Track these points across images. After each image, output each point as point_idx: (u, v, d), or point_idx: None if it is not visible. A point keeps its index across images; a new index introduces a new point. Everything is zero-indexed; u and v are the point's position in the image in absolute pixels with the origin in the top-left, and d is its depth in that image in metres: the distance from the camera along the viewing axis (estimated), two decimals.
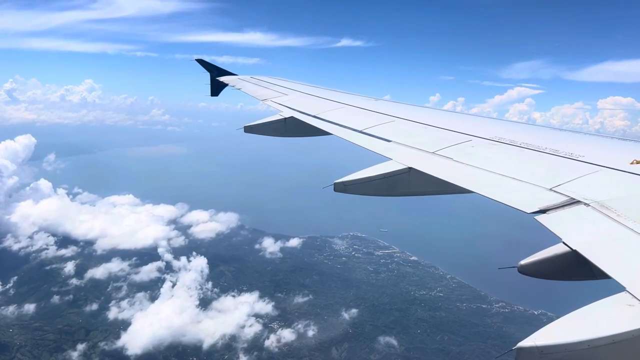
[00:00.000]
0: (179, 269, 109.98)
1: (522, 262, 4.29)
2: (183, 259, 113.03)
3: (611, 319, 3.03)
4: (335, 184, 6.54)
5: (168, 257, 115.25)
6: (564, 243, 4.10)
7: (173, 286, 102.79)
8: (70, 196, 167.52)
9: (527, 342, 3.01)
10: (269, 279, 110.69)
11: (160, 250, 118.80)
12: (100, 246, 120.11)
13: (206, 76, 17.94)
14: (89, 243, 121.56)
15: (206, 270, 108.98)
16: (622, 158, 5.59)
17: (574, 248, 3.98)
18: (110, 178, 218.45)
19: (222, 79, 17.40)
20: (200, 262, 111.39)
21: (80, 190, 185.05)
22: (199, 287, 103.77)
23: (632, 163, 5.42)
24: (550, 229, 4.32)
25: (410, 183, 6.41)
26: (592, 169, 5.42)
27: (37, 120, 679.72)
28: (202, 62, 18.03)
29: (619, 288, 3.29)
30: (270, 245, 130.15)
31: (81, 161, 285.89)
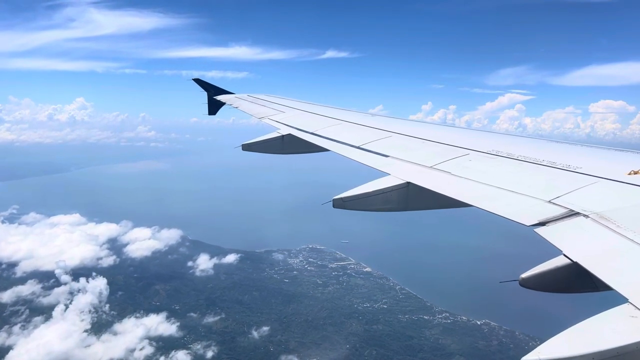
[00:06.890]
0: (78, 291, 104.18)
1: (524, 275, 4.27)
2: (82, 280, 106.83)
3: (615, 331, 3.01)
4: (333, 200, 6.52)
5: (66, 278, 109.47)
6: (564, 255, 4.09)
7: (66, 309, 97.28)
8: (1, 217, 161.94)
9: (531, 356, 2.99)
10: (205, 296, 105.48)
11: (57, 271, 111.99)
12: (22, 268, 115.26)
13: (201, 92, 18.05)
14: (12, 265, 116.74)
15: (105, 292, 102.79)
16: (619, 169, 5.60)
17: (574, 260, 3.97)
18: (68, 197, 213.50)
19: (220, 97, 17.51)
20: (99, 284, 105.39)
21: (15, 211, 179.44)
22: (93, 310, 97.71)
23: (629, 174, 5.43)
24: (550, 241, 4.31)
25: (408, 198, 6.41)
26: (590, 180, 5.43)
27: (17, 140, 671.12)
28: (199, 81, 18.19)
29: (621, 300, 3.27)
30: (210, 262, 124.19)
31: (48, 180, 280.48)
